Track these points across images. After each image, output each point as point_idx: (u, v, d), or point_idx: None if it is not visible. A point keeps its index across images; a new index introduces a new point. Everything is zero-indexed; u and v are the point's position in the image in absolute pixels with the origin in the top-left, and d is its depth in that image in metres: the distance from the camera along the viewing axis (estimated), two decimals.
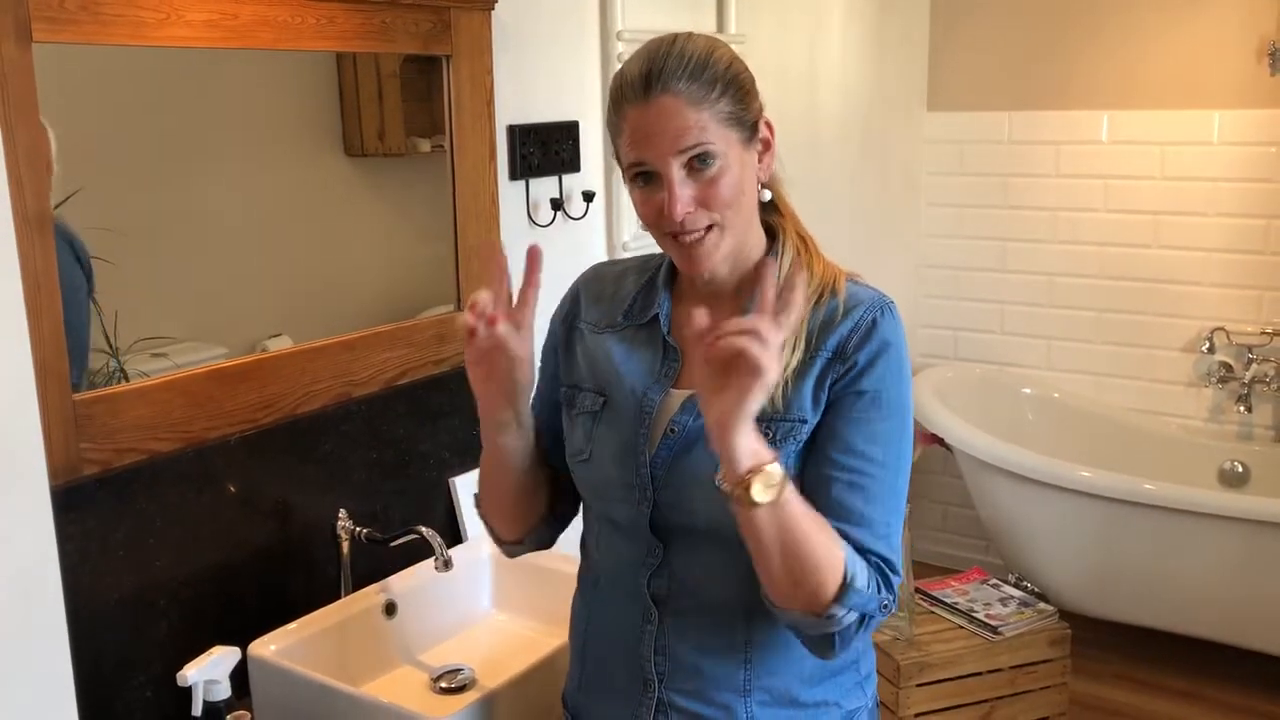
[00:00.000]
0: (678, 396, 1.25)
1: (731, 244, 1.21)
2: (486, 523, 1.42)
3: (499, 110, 2.06)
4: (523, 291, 1.19)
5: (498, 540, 1.42)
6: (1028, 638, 2.64)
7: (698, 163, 1.16)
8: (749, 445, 1.06)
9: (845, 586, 1.13)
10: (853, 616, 1.15)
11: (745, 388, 1.03)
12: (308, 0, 1.68)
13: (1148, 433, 3.45)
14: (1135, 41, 3.34)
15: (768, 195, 1.26)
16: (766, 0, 2.87)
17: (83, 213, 1.46)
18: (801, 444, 1.20)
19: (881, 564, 1.19)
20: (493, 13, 2.00)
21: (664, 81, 1.15)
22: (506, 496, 1.35)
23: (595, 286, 1.38)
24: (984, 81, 3.59)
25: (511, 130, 2.10)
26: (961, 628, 2.67)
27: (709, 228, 1.19)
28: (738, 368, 1.02)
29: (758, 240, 1.26)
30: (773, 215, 1.28)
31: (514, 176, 2.13)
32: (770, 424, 1.19)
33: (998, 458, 3.15)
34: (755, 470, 1.06)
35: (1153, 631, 3.12)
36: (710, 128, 1.16)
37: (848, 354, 1.20)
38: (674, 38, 1.19)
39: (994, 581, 2.87)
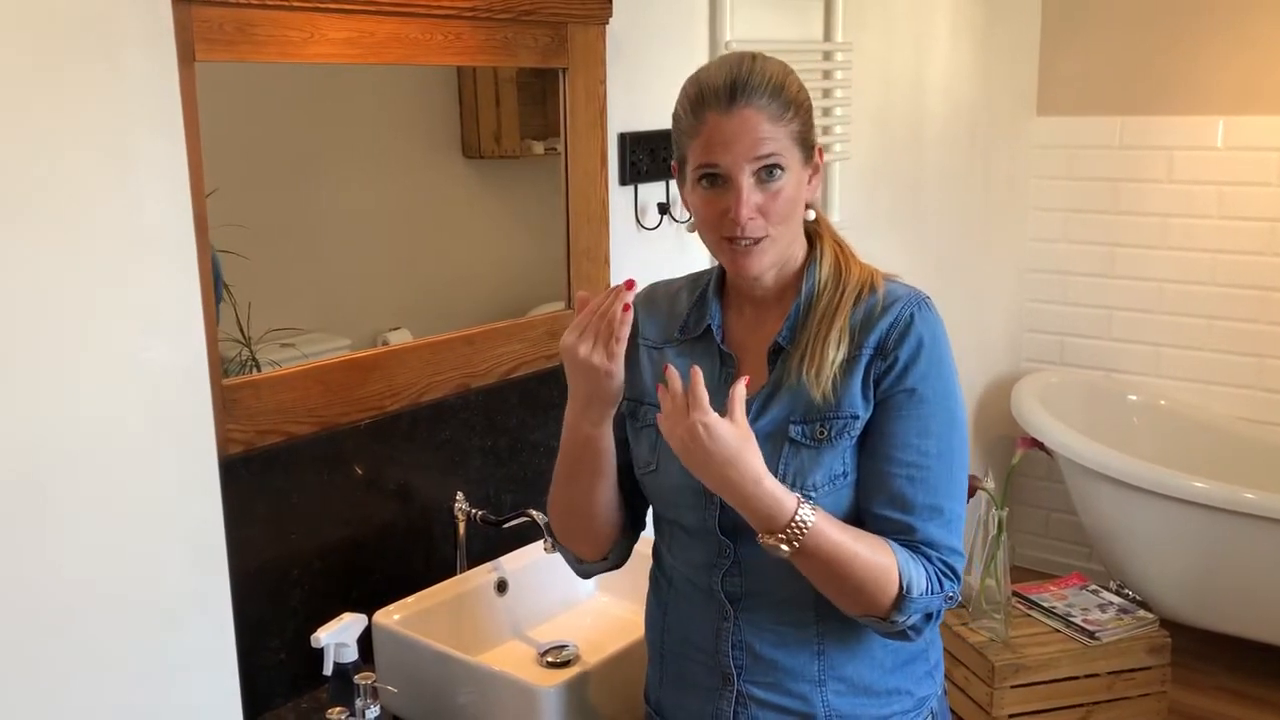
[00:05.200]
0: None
1: (777, 254, 1.28)
2: (565, 547, 1.46)
3: (610, 119, 2.14)
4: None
5: (577, 563, 1.46)
6: (1126, 644, 2.63)
7: (765, 174, 1.24)
8: (780, 487, 1.19)
9: (903, 597, 1.21)
10: (917, 618, 1.23)
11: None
12: (437, 18, 1.77)
13: (1257, 442, 3.37)
14: (1253, 46, 3.27)
15: (812, 215, 1.33)
16: (873, 8, 2.90)
17: (218, 211, 1.52)
18: (855, 439, 1.26)
19: (944, 557, 1.25)
20: (607, 26, 2.09)
21: (748, 95, 1.22)
22: (594, 507, 1.37)
23: (650, 305, 1.43)
24: (1095, 86, 3.55)
25: (622, 138, 2.18)
26: (1058, 631, 2.67)
27: (761, 239, 1.25)
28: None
29: (800, 248, 1.33)
30: (811, 224, 1.34)
31: (624, 182, 2.20)
32: (825, 421, 1.25)
33: (1102, 464, 3.13)
34: (800, 501, 1.18)
35: (1257, 644, 3.06)
36: (782, 143, 1.24)
37: (888, 350, 1.25)
38: (752, 56, 1.26)
39: (1094, 587, 2.85)
